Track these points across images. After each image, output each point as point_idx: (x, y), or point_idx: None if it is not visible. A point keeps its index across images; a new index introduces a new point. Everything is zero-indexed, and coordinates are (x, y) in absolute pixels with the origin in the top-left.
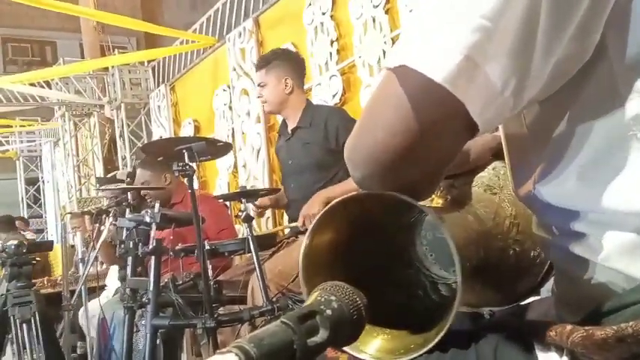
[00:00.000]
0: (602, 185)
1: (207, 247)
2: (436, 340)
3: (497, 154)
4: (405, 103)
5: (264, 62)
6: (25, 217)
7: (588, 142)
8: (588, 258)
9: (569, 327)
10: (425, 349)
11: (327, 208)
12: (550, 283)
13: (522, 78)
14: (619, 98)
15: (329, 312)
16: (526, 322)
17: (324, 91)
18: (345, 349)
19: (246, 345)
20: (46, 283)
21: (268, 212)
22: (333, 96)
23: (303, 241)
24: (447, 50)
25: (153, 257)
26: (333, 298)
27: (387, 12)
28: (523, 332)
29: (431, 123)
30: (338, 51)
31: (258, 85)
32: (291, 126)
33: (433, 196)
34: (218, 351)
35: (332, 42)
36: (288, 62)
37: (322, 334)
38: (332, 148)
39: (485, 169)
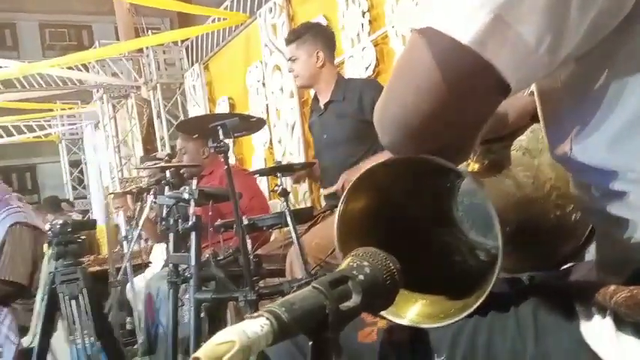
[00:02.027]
0: None
1: (245, 221)
2: (476, 304)
3: (535, 118)
4: (434, 67)
5: (295, 36)
6: (71, 198)
7: (629, 99)
8: (629, 218)
9: (612, 287)
10: (465, 314)
11: (362, 172)
12: (593, 247)
13: (558, 35)
14: None
15: (361, 277)
16: (566, 284)
17: (356, 63)
18: (383, 314)
19: (277, 309)
20: (92, 261)
21: (305, 187)
22: (366, 68)
23: (340, 205)
24: (474, 10)
25: (193, 233)
26: (365, 263)
27: None
28: (563, 294)
29: (461, 85)
30: (370, 22)
31: (289, 59)
32: (323, 100)
33: (469, 160)
34: (249, 315)
35: (363, 13)
36: (318, 36)
37: (355, 299)
38: (367, 119)
39: (524, 133)
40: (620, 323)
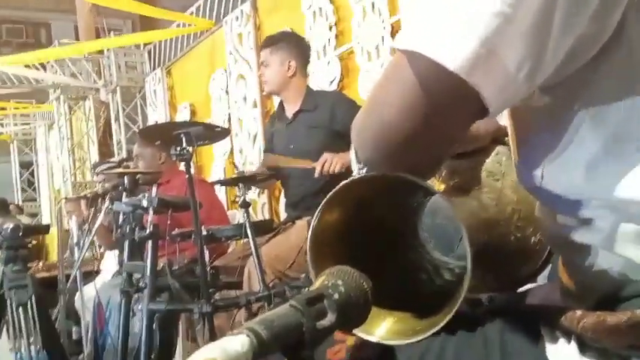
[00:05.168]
0: (611, 175)
1: (204, 232)
2: (442, 323)
3: (495, 140)
4: (418, 89)
5: (271, 42)
6: (20, 200)
7: (599, 131)
8: (593, 244)
9: (579, 312)
10: (432, 331)
11: (334, 190)
12: (546, 271)
13: (536, 62)
14: (636, 87)
15: (336, 296)
16: (532, 307)
17: (321, 76)
18: (354, 331)
19: (256, 327)
20: (41, 266)
21: (264, 198)
22: (331, 82)
23: (313, 222)
24: (462, 37)
25: (150, 241)
26: (339, 282)
27: None
28: (529, 317)
29: (443, 107)
30: (336, 36)
31: (261, 63)
32: (291, 110)
33: (435, 181)
34: (229, 332)
35: (330, 26)
36: (293, 45)
37: (330, 317)
38: (339, 130)
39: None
40: (585, 348)
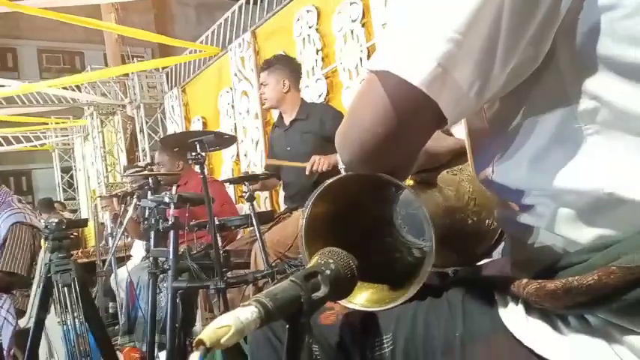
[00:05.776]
0: (549, 170)
1: (217, 222)
2: (413, 292)
3: (455, 156)
4: (388, 101)
5: (267, 65)
6: (62, 199)
7: (538, 134)
8: (535, 225)
9: (524, 280)
10: (404, 298)
11: (324, 185)
12: (500, 248)
13: (484, 81)
14: (567, 98)
15: (328, 272)
16: (487, 277)
17: (311, 92)
18: (339, 302)
19: (263, 299)
20: (81, 254)
21: (266, 193)
22: (319, 96)
23: (305, 212)
24: (422, 58)
25: (172, 231)
26: (330, 261)
27: (363, 25)
28: (484, 285)
29: (408, 116)
30: (322, 58)
31: (261, 84)
32: (288, 119)
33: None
34: (241, 304)
35: (317, 51)
36: (286, 66)
37: (324, 290)
38: (326, 136)
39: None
40: (530, 309)
